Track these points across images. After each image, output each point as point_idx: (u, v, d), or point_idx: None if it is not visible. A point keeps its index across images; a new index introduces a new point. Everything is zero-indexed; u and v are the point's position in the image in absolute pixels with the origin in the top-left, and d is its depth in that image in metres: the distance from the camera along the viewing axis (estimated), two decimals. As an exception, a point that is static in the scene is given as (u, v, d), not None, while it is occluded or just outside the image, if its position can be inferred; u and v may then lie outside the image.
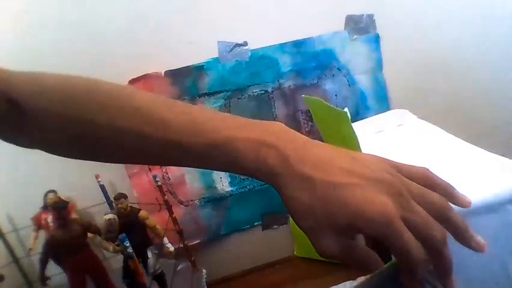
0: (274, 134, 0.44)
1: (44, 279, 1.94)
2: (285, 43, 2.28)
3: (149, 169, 2.30)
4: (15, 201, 2.19)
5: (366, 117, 2.37)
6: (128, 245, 1.51)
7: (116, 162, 0.61)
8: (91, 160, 0.62)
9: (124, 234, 1.53)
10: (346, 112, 1.36)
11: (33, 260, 2.16)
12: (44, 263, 1.92)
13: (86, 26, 2.11)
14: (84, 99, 0.55)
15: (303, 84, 2.35)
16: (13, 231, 2.19)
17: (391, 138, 1.90)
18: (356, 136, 1.31)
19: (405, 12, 2.36)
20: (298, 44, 2.29)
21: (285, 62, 2.30)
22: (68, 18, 2.09)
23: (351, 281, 2.04)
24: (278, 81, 2.33)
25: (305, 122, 2.38)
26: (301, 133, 0.46)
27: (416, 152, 1.63)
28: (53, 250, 1.90)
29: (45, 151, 0.62)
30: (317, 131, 2.29)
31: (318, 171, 0.39)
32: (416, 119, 2.05)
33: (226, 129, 0.44)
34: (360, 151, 1.26)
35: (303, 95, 2.09)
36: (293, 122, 2.37)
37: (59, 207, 1.90)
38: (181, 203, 2.39)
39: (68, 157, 0.62)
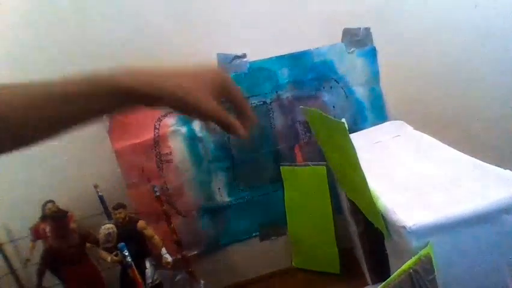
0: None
1: (41, 290, 1.94)
2: (283, 55, 2.32)
3: (148, 180, 2.31)
4: (12, 211, 2.18)
5: (364, 128, 2.40)
6: (127, 253, 1.51)
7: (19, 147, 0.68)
8: None
9: (123, 243, 1.53)
10: (343, 123, 1.38)
11: (30, 271, 2.14)
12: (41, 273, 1.92)
13: (84, 40, 2.13)
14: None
15: (301, 96, 2.38)
16: (10, 242, 2.17)
17: (388, 148, 1.92)
18: (353, 146, 1.32)
19: (402, 26, 2.41)
20: (296, 56, 2.33)
21: (284, 74, 2.34)
22: (66, 32, 2.11)
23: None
24: (276, 92, 2.35)
25: (303, 132, 2.40)
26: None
27: (413, 162, 1.65)
28: (51, 260, 1.90)
29: None
30: (315, 141, 2.31)
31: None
32: (412, 130, 2.07)
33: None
34: (358, 160, 1.28)
35: (301, 106, 2.12)
36: (291, 133, 2.39)
37: (58, 217, 1.91)
38: (179, 213, 2.39)
39: None
